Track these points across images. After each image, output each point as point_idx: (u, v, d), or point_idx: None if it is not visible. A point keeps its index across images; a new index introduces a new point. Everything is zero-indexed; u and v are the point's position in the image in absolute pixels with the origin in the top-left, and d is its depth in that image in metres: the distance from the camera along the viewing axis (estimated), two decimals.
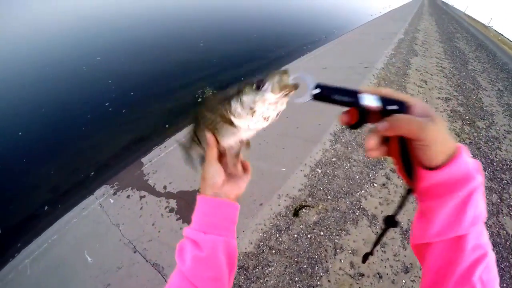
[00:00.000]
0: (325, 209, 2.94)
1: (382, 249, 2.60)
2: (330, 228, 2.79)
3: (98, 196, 3.76)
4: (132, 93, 7.44)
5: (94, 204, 3.60)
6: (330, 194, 3.11)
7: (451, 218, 0.39)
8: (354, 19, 15.76)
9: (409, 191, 0.44)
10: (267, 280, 2.44)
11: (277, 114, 0.50)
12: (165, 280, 2.51)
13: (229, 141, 0.55)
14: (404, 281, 2.34)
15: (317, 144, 4.00)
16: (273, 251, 2.61)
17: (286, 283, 2.41)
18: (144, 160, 4.40)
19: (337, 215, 2.91)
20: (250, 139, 0.57)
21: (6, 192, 4.80)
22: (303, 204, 2.98)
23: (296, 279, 2.42)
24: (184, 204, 3.30)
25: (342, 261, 2.52)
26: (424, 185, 0.41)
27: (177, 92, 7.46)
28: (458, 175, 0.38)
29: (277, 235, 2.72)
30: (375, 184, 3.28)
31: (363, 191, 3.18)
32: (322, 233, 2.73)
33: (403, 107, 0.40)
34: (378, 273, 2.40)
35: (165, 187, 3.66)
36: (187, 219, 3.08)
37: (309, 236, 2.72)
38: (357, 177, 3.36)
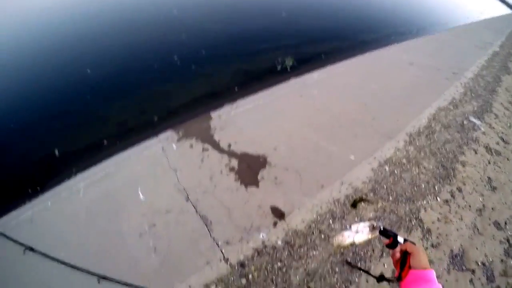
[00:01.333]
0: (383, 209, 2.78)
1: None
2: None
3: (162, 139, 3.86)
4: (203, 51, 7.31)
5: (157, 146, 3.71)
6: (392, 195, 2.92)
7: None
8: (450, 18, 14.03)
9: (397, 279, 0.83)
10: (308, 262, 2.39)
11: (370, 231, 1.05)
12: (210, 235, 2.55)
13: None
14: None
15: (391, 140, 3.75)
16: (322, 236, 2.54)
17: (326, 270, 2.35)
18: (213, 114, 4.38)
19: (394, 218, 2.74)
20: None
21: (67, 119, 5.06)
22: (364, 197, 2.83)
23: (337, 269, 2.36)
24: (246, 167, 3.28)
25: (385, 265, 2.40)
26: (407, 278, 0.79)
27: (254, 56, 7.23)
28: (425, 278, 0.75)
29: (330, 221, 2.64)
30: (438, 198, 3.02)
31: (424, 202, 2.95)
32: None
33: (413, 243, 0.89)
34: None
35: (229, 145, 3.66)
36: (244, 181, 3.08)
37: None
38: (423, 185, 3.10)
